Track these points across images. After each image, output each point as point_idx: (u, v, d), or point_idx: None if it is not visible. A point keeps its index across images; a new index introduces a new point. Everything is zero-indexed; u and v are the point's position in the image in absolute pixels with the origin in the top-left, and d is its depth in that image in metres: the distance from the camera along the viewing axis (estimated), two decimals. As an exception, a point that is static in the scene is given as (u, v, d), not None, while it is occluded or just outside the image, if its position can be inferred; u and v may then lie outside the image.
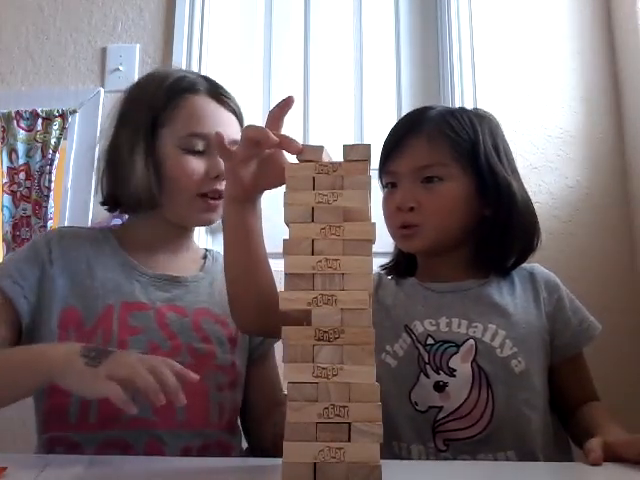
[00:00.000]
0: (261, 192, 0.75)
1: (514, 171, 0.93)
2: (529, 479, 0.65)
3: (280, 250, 0.56)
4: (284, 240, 0.56)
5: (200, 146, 0.89)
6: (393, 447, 0.84)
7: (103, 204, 0.96)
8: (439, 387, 0.83)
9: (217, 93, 0.93)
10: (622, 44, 1.58)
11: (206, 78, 0.96)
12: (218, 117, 0.91)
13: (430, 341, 0.86)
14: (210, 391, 0.85)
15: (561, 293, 0.91)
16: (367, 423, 0.51)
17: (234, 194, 0.72)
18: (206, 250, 1.03)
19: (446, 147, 0.88)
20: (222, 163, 0.85)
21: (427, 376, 0.84)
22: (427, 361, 0.85)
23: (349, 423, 0.52)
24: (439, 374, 0.84)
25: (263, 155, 0.70)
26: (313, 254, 0.55)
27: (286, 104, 0.69)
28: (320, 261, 0.55)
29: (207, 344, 0.88)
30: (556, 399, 0.88)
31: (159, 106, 0.90)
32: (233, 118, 0.94)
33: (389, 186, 0.92)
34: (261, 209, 0.76)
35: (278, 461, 0.52)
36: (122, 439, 0.79)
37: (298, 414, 0.52)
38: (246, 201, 0.73)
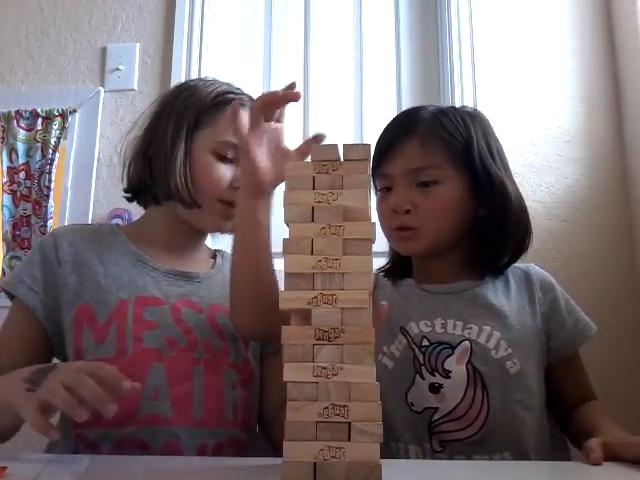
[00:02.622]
0: (274, 186, 0.77)
1: (507, 169, 0.93)
2: (528, 478, 0.65)
3: (280, 250, 0.56)
4: (284, 240, 0.56)
5: (231, 155, 0.90)
6: (391, 447, 0.84)
7: (126, 191, 0.97)
8: (434, 388, 0.83)
9: None
10: (622, 44, 1.58)
11: (251, 97, 0.98)
12: None
13: (425, 343, 0.86)
14: (225, 389, 0.85)
15: (556, 293, 0.91)
16: (367, 423, 0.51)
17: (249, 184, 0.76)
18: (216, 250, 1.04)
19: (440, 148, 0.87)
20: None
21: (422, 377, 0.84)
22: (422, 362, 0.85)
23: (349, 423, 0.52)
24: (434, 376, 0.84)
25: (275, 140, 0.77)
26: (313, 254, 0.55)
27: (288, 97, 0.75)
28: (320, 261, 0.55)
29: (222, 340, 0.88)
30: (553, 399, 0.88)
31: (205, 108, 0.92)
32: None
33: (383, 189, 0.91)
34: (272, 207, 0.78)
35: (278, 461, 0.52)
36: (138, 437, 0.79)
37: (298, 414, 0.52)
38: (260, 196, 0.76)
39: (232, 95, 0.94)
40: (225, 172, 0.90)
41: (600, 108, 1.59)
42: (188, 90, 0.95)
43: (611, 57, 1.60)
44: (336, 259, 0.54)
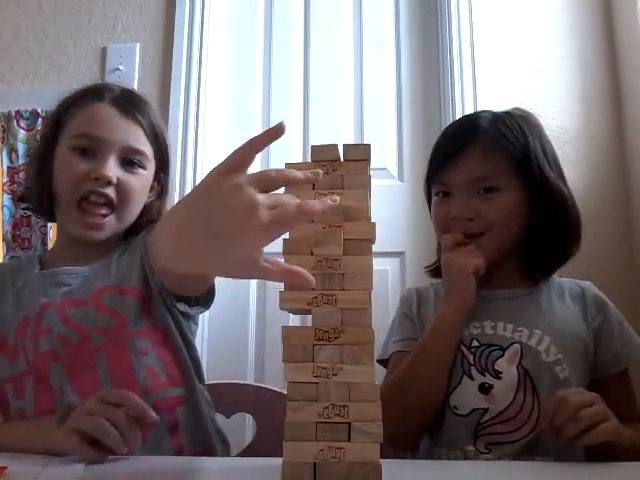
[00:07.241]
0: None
1: (561, 173, 0.94)
2: (526, 478, 0.65)
3: (280, 250, 0.55)
4: (284, 240, 0.56)
5: (87, 146, 0.90)
6: (433, 452, 0.84)
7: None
8: (484, 389, 0.83)
9: (122, 102, 0.93)
10: (622, 44, 1.58)
11: (122, 89, 0.96)
12: (114, 124, 0.91)
13: (475, 344, 0.85)
14: (133, 361, 0.84)
15: (608, 313, 0.90)
16: (367, 423, 0.51)
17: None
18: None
19: (501, 157, 0.88)
20: (108, 168, 0.89)
21: (471, 378, 0.84)
22: (472, 363, 0.84)
23: (349, 423, 0.52)
24: (485, 376, 0.83)
25: None
26: (313, 254, 0.55)
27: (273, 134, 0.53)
28: (320, 261, 0.55)
29: (115, 318, 0.86)
30: None
31: (63, 112, 0.94)
32: (136, 128, 0.93)
33: (440, 194, 0.92)
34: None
35: (278, 461, 0.52)
36: None
37: (298, 414, 0.52)
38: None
39: (91, 92, 0.94)
40: (81, 165, 0.89)
41: (600, 108, 1.58)
42: (57, 105, 0.97)
43: (611, 57, 1.60)
44: (336, 259, 0.54)
